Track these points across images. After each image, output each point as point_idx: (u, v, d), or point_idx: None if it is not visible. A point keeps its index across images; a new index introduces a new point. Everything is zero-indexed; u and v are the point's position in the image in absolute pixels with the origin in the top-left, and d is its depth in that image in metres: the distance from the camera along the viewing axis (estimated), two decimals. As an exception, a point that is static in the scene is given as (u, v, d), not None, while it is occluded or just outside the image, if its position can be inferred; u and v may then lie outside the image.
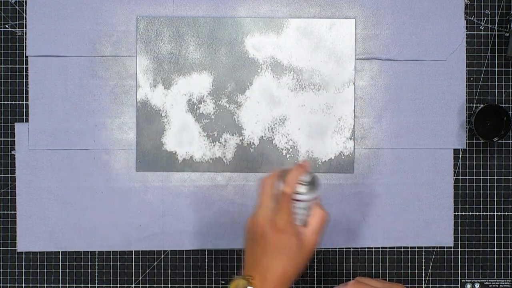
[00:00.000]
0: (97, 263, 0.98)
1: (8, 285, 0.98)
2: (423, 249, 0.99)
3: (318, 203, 0.81)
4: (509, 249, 0.99)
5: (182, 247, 0.98)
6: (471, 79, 0.99)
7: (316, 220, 0.80)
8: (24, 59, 0.98)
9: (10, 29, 0.98)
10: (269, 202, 0.78)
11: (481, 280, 0.99)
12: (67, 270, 0.98)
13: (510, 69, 0.99)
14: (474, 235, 0.99)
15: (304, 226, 0.80)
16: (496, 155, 0.99)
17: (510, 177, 0.99)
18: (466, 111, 0.99)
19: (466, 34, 0.99)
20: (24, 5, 0.98)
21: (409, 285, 0.99)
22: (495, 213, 0.99)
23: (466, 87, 0.99)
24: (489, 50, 0.99)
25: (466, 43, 0.99)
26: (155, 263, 0.98)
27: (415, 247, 0.99)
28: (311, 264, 0.98)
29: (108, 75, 0.98)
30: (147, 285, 0.98)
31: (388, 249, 0.98)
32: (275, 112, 0.98)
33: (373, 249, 0.99)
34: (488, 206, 0.99)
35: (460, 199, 0.99)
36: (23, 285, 0.98)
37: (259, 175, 0.98)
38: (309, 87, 0.98)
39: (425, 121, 0.98)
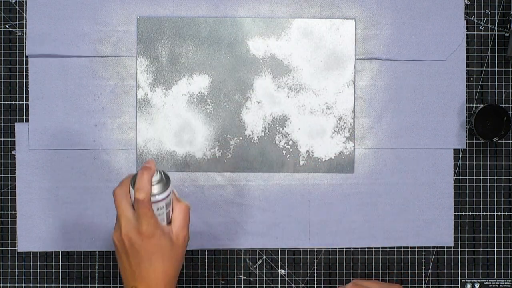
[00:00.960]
0: (97, 263, 0.98)
1: (8, 285, 0.98)
2: (423, 249, 0.99)
3: (175, 197, 0.80)
4: (509, 249, 0.99)
5: (182, 247, 0.98)
6: (471, 79, 0.99)
7: (180, 214, 0.79)
8: (24, 59, 0.98)
9: (10, 29, 0.98)
10: (127, 212, 0.76)
11: (481, 280, 0.99)
12: (67, 270, 0.98)
13: (510, 69, 0.99)
14: (474, 235, 0.99)
15: (169, 224, 0.79)
16: (496, 155, 0.99)
17: (510, 177, 0.99)
18: (466, 111, 0.99)
19: (466, 34, 0.99)
20: (24, 5, 0.98)
21: (409, 285, 0.99)
22: (495, 213, 0.99)
23: (466, 87, 0.99)
24: (489, 50, 0.99)
25: (466, 43, 0.99)
26: (155, 263, 0.98)
27: (415, 247, 0.99)
28: (311, 264, 0.98)
29: (108, 75, 0.98)
30: (147, 285, 0.98)
31: (388, 249, 0.98)
32: (275, 112, 0.98)
33: (373, 249, 0.99)
34: (488, 206, 0.99)
35: (460, 199, 0.99)
36: (23, 285, 0.98)
37: (259, 175, 0.98)
38: (309, 87, 0.98)
39: (425, 121, 0.98)
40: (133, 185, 0.76)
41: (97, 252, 0.98)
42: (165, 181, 0.77)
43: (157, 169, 0.77)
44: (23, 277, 0.98)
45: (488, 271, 0.99)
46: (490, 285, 0.99)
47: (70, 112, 0.98)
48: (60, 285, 0.98)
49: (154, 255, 0.77)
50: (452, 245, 0.99)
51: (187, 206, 0.80)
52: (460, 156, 0.99)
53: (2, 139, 0.98)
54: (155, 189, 0.76)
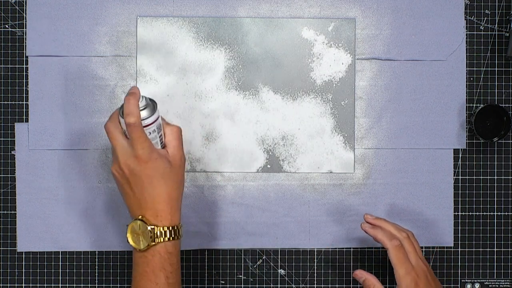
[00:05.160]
0: (97, 263, 0.98)
1: (8, 285, 0.98)
2: (423, 249, 0.99)
3: (165, 122, 0.81)
4: (509, 249, 0.99)
5: (182, 247, 0.98)
6: (471, 79, 0.99)
7: (172, 136, 0.81)
8: (24, 59, 0.98)
9: (10, 29, 0.98)
10: (122, 142, 0.78)
11: (481, 280, 0.99)
12: (67, 270, 0.98)
13: (510, 69, 0.99)
14: (474, 235, 0.99)
15: (164, 147, 0.81)
16: (496, 155, 0.99)
17: (510, 177, 0.99)
18: (466, 111, 0.99)
19: (466, 34, 0.99)
20: (24, 5, 0.98)
21: (409, 285, 0.99)
22: (495, 213, 0.99)
23: (466, 87, 0.99)
24: (489, 50, 0.99)
25: (466, 43, 0.99)
26: (155, 263, 0.98)
27: (415, 247, 0.99)
28: (311, 264, 0.98)
29: (108, 75, 0.98)
30: (147, 285, 0.98)
31: (388, 249, 0.98)
32: (275, 112, 0.98)
33: (373, 249, 0.99)
34: (488, 206, 0.99)
35: (460, 199, 0.99)
36: (23, 285, 0.98)
37: (259, 175, 0.98)
38: (309, 87, 0.98)
39: (425, 121, 0.98)
40: (122, 115, 0.78)
41: (97, 252, 0.98)
42: (152, 106, 0.80)
43: (143, 95, 0.79)
44: (23, 277, 0.98)
45: (488, 271, 0.99)
46: (490, 285, 0.99)
47: (70, 112, 0.98)
48: (60, 285, 0.98)
49: (155, 178, 0.78)
50: (452, 245, 0.99)
51: (178, 128, 0.81)
52: (460, 156, 0.99)
53: (2, 139, 0.98)
54: (144, 113, 0.78)
